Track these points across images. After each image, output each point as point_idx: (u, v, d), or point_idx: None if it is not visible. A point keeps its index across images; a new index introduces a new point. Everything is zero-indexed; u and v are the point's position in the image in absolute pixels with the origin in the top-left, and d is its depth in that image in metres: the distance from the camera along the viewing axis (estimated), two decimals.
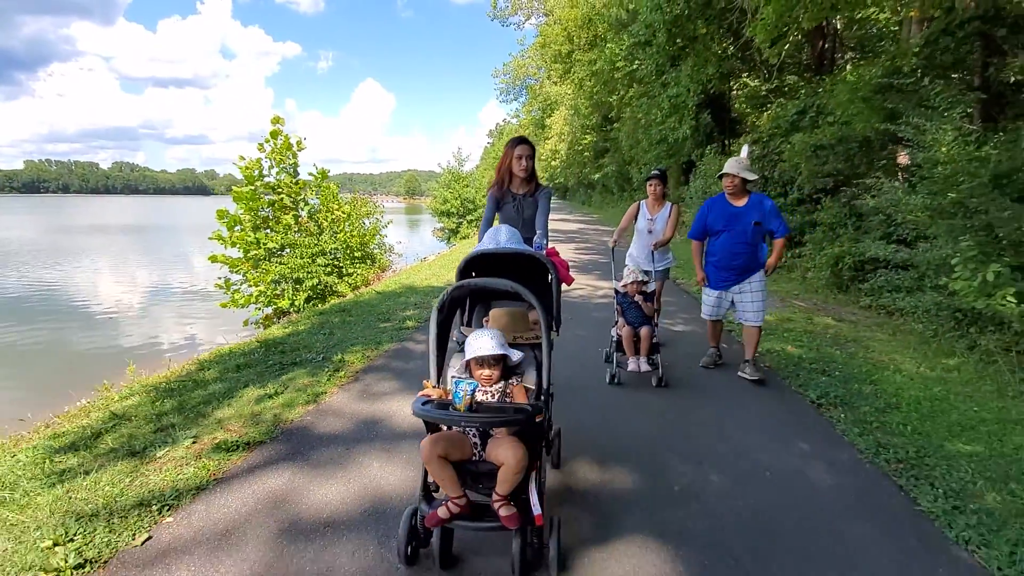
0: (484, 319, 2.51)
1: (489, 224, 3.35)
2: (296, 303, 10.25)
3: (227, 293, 10.76)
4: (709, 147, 15.66)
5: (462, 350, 2.19)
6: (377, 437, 3.08)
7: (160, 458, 2.78)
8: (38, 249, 24.05)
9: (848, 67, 12.36)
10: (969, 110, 7.40)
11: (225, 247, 10.75)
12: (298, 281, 10.49)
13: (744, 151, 8.29)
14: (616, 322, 4.27)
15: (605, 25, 20.84)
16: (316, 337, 5.20)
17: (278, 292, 10.41)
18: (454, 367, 2.22)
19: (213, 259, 10.59)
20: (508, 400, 2.05)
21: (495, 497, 1.88)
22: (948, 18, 7.05)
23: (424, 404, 1.84)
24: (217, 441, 2.92)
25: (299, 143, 11.64)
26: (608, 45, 19.03)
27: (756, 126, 14.03)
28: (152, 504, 2.34)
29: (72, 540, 2.08)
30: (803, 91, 12.08)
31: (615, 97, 21.36)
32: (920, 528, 2.33)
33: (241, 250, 10.78)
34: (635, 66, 17.26)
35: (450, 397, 1.85)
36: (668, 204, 4.69)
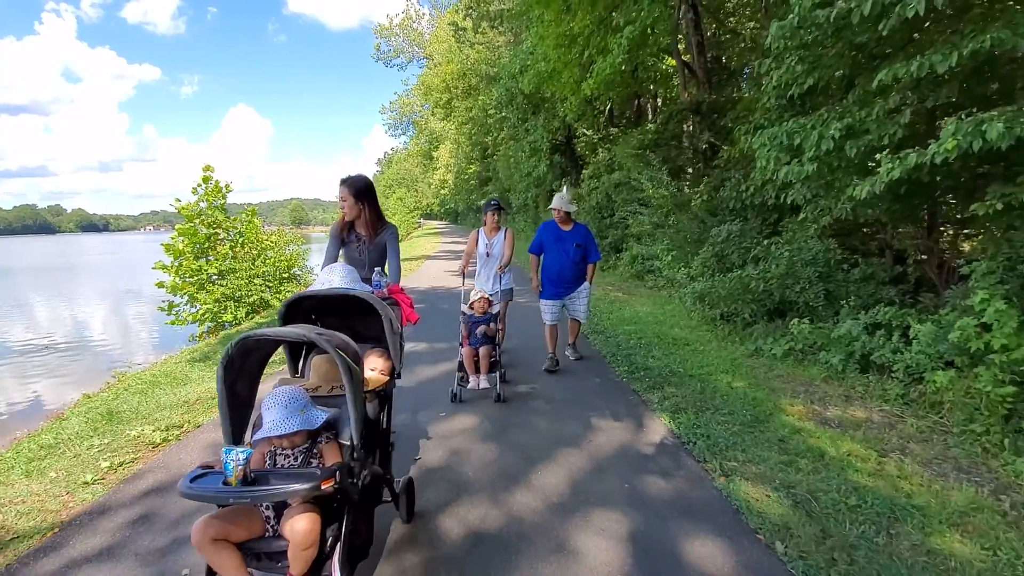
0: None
1: (331, 263, 3.02)
2: (238, 317, 12.65)
3: (169, 314, 12.88)
4: (563, 180, 20.13)
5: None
6: None
7: None
8: None
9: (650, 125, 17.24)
10: (697, 166, 12.08)
11: (169, 275, 12.86)
12: (238, 299, 12.91)
13: (564, 189, 12.34)
14: (460, 343, 4.51)
15: (477, 78, 25.05)
16: None
17: (222, 309, 12.75)
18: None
19: (160, 285, 12.69)
20: (317, 461, 1.90)
21: None
22: (672, 107, 11.67)
23: (194, 479, 1.65)
24: None
25: (227, 186, 14.08)
26: (480, 97, 23.17)
27: (591, 165, 18.66)
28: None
29: None
30: (620, 140, 16.74)
31: (490, 138, 25.57)
32: (585, 338, 6.05)
33: (179, 276, 12.96)
34: (503, 114, 21.50)
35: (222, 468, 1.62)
36: (503, 229, 5.15)
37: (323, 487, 1.64)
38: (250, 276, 13.23)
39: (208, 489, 1.61)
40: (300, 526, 1.66)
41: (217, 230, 13.47)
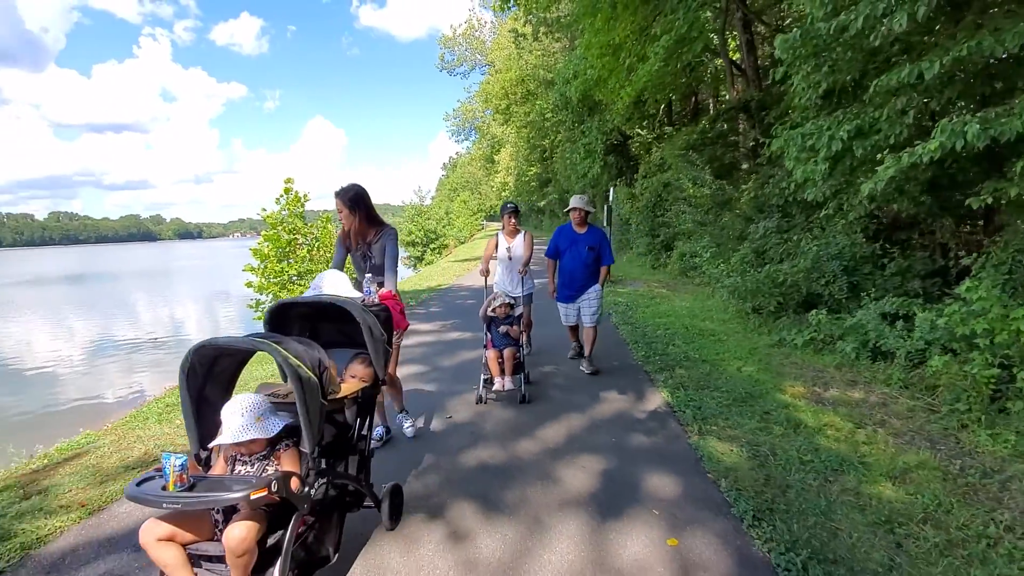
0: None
1: (338, 269, 3.21)
2: None
3: (256, 311, 14.57)
4: (618, 180, 20.45)
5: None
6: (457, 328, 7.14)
7: None
8: None
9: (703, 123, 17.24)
10: (746, 165, 12.19)
11: (256, 276, 14.54)
12: None
13: (611, 193, 12.82)
14: (484, 344, 4.53)
15: (535, 83, 25.79)
16: None
17: None
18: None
19: (248, 285, 14.39)
20: (274, 468, 1.93)
21: None
22: (722, 106, 11.83)
23: (141, 483, 1.74)
24: None
25: (305, 196, 15.66)
26: (538, 101, 23.88)
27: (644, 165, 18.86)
28: None
29: None
30: (670, 140, 16.87)
31: (548, 141, 26.23)
32: (613, 328, 6.57)
33: (264, 277, 14.61)
34: (559, 118, 22.10)
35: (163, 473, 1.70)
36: (522, 232, 5.18)
37: (252, 496, 1.66)
38: None
39: (147, 493, 1.70)
40: (234, 533, 1.72)
41: (297, 235, 15.05)
